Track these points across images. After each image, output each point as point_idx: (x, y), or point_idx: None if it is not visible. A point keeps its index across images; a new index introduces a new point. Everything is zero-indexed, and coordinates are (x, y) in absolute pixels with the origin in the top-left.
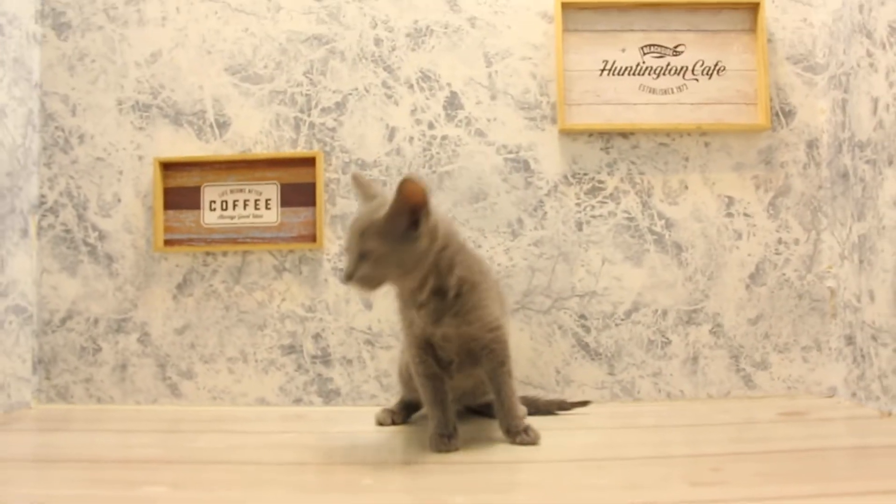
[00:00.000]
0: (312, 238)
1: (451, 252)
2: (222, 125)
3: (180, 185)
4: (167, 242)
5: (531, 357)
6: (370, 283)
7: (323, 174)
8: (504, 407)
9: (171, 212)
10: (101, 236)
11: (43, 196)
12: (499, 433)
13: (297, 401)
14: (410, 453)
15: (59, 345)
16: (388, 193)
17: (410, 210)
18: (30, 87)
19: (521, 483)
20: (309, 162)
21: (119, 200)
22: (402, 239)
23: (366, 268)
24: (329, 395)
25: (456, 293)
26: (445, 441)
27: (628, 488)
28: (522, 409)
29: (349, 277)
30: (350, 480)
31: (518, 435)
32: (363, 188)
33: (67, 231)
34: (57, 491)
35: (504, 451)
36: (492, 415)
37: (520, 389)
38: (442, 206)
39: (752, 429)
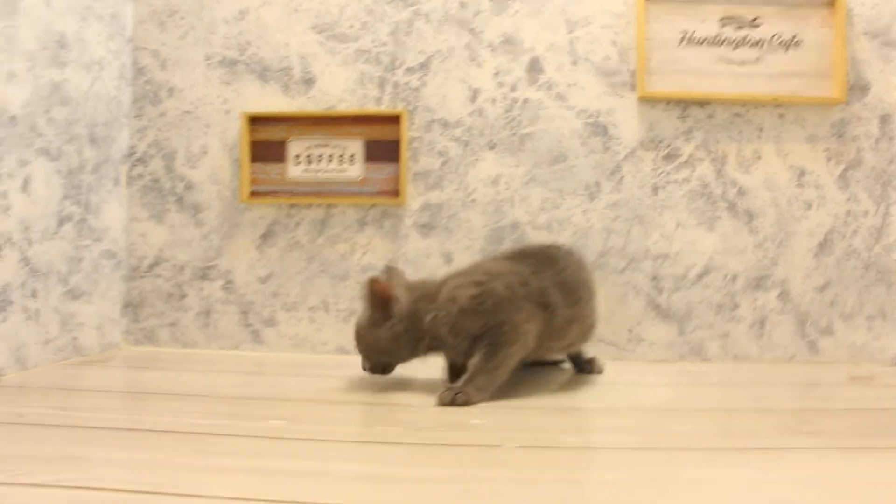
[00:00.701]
0: (395, 193)
1: (425, 314)
2: (308, 82)
3: (266, 139)
4: (252, 194)
5: (605, 316)
6: (386, 370)
7: (406, 132)
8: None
9: (256, 164)
10: (188, 186)
11: (133, 147)
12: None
13: None
14: (512, 397)
15: (147, 290)
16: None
17: (382, 304)
18: (123, 41)
19: (623, 427)
20: (393, 120)
21: (206, 152)
22: (388, 330)
23: (375, 363)
24: None
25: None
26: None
27: (723, 435)
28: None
29: (370, 371)
30: (459, 420)
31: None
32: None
33: (156, 181)
34: (186, 419)
35: (594, 399)
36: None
37: (592, 346)
38: (522, 167)
39: (824, 390)
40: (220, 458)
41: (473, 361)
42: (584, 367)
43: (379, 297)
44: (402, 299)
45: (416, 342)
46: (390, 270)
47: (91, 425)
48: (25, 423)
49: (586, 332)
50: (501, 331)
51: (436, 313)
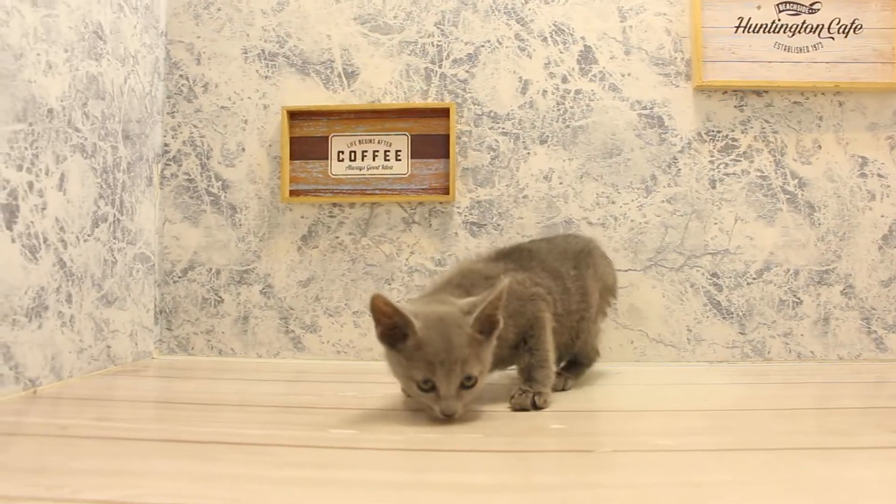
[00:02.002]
0: (444, 190)
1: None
2: (350, 75)
3: (307, 135)
4: (293, 193)
5: (663, 314)
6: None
7: (455, 126)
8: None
9: (297, 162)
10: (225, 186)
11: (166, 145)
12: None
13: None
14: (576, 402)
15: (181, 295)
16: (423, 309)
17: (492, 315)
18: (157, 35)
19: (713, 428)
20: (441, 113)
21: (243, 150)
22: (487, 342)
23: (470, 394)
24: None
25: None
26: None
27: (822, 433)
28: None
29: (455, 412)
30: (539, 425)
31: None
32: (394, 314)
33: (190, 180)
34: (245, 430)
35: (667, 401)
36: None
37: (650, 347)
38: (575, 160)
39: None
40: (286, 469)
41: (525, 361)
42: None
43: (496, 308)
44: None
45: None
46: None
47: (135, 437)
48: (69, 434)
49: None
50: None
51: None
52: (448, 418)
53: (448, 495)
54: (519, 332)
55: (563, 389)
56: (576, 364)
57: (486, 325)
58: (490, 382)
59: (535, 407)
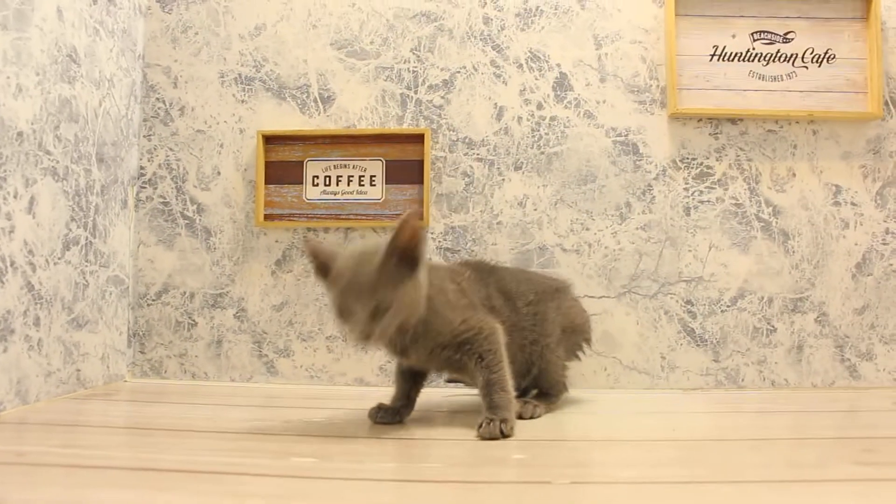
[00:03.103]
0: (418, 216)
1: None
2: (326, 100)
3: (282, 160)
4: (267, 217)
5: (637, 342)
6: (387, 335)
7: (430, 152)
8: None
9: (272, 186)
10: (200, 209)
11: (142, 168)
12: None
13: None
14: (544, 430)
15: (154, 318)
16: (348, 246)
17: (408, 248)
18: (134, 58)
19: (680, 459)
20: (416, 139)
21: (219, 173)
22: (405, 281)
23: (384, 322)
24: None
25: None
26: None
27: (791, 466)
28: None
29: (367, 337)
30: (501, 455)
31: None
32: (320, 255)
33: (165, 203)
34: (202, 458)
35: (635, 431)
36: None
37: (624, 375)
38: (549, 187)
39: (869, 416)
40: (246, 500)
41: (483, 379)
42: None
43: (409, 241)
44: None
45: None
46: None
47: (97, 464)
48: (26, 462)
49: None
50: (484, 324)
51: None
52: (364, 340)
53: None
54: (461, 325)
55: (531, 417)
56: (543, 394)
57: (405, 261)
58: (455, 409)
59: (504, 435)
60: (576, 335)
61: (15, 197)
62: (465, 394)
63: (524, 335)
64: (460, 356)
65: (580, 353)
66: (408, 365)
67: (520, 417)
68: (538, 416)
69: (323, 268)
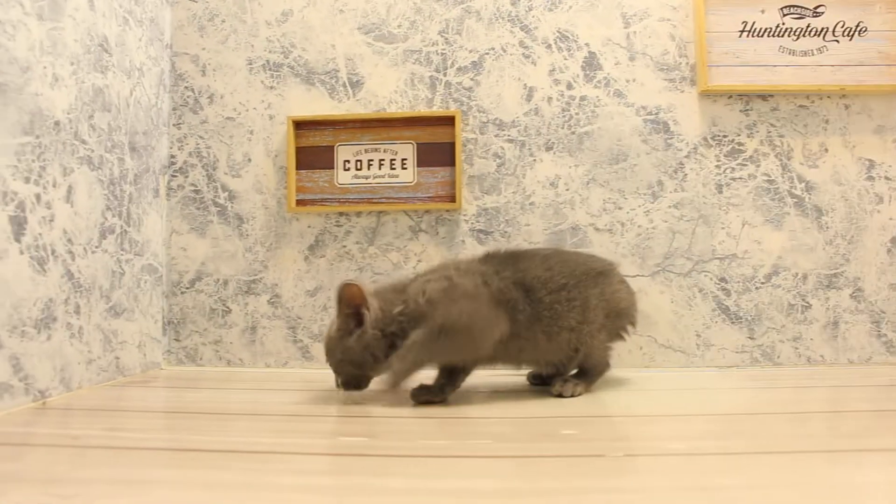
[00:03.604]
0: (451, 198)
1: (393, 307)
2: (355, 84)
3: (313, 145)
4: (299, 202)
5: (671, 320)
6: (360, 384)
7: (461, 134)
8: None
9: (303, 171)
10: (231, 196)
11: (173, 156)
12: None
13: None
14: (587, 407)
15: (189, 306)
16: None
17: (354, 311)
18: (162, 47)
19: (725, 432)
20: (447, 121)
21: (249, 160)
22: (359, 339)
23: (348, 377)
24: None
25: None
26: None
27: (836, 437)
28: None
29: (343, 387)
30: (550, 431)
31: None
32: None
33: (197, 191)
34: (256, 439)
35: (678, 406)
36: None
37: (659, 353)
38: (581, 167)
39: None
40: (297, 476)
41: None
42: (554, 385)
43: (350, 303)
44: (374, 305)
45: (388, 348)
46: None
47: (146, 447)
48: (80, 445)
49: (569, 344)
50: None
51: (404, 305)
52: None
53: (457, 502)
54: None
55: (572, 395)
56: (583, 372)
57: (355, 318)
58: (496, 390)
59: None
60: (620, 319)
61: (54, 186)
62: (503, 374)
63: (553, 322)
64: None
65: (624, 335)
66: None
67: (560, 395)
68: (578, 395)
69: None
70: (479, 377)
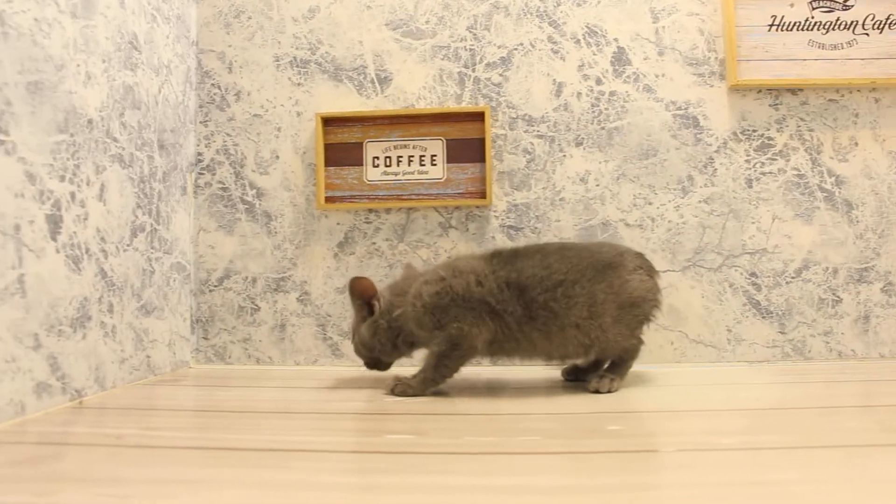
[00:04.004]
0: (481, 194)
1: (396, 309)
2: (384, 80)
3: (341, 142)
4: (328, 199)
5: (702, 315)
6: (379, 366)
7: (490, 129)
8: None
9: (331, 168)
10: (259, 194)
11: (200, 154)
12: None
13: None
14: (624, 401)
15: (217, 304)
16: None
17: (365, 302)
18: (188, 44)
19: (778, 425)
20: (476, 117)
21: (277, 157)
22: (370, 326)
23: (367, 359)
24: None
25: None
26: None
27: (887, 430)
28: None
29: (367, 367)
30: (595, 426)
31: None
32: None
33: (224, 189)
34: (292, 437)
35: (718, 401)
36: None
37: (690, 348)
38: (611, 162)
39: None
40: (347, 476)
41: (426, 360)
42: (590, 382)
43: (360, 295)
44: (385, 297)
45: (395, 337)
46: (407, 267)
47: (192, 446)
48: (126, 444)
49: (580, 339)
50: (450, 334)
51: (403, 309)
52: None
53: (515, 498)
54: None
55: (608, 391)
56: (613, 364)
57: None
58: (531, 386)
59: (394, 394)
60: (637, 308)
61: (87, 184)
62: (535, 369)
63: (550, 321)
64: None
65: (646, 322)
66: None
67: (596, 391)
68: (615, 390)
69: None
70: (512, 372)
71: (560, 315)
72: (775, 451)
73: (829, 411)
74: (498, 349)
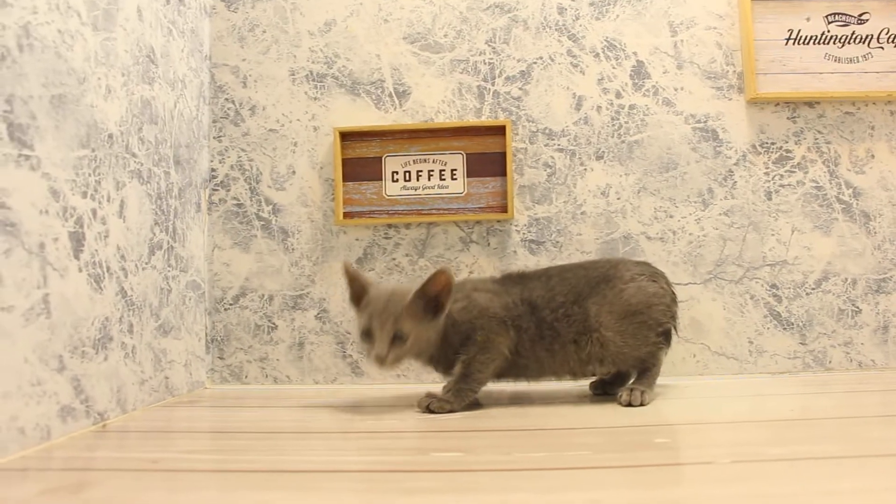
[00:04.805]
0: (502, 208)
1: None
2: (402, 94)
3: (360, 156)
4: (346, 215)
5: (724, 327)
6: (399, 362)
7: (511, 143)
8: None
9: (350, 183)
10: (276, 210)
11: (213, 170)
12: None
13: None
14: (671, 417)
15: (233, 323)
16: (384, 282)
17: (436, 295)
18: (201, 58)
19: (823, 435)
20: (497, 131)
21: (294, 172)
22: (428, 321)
23: (398, 350)
24: None
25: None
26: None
27: None
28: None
29: (382, 360)
30: (642, 440)
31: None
32: (356, 278)
33: (240, 205)
34: (340, 458)
35: (748, 412)
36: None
37: (713, 360)
38: (632, 175)
39: None
40: (399, 496)
41: (456, 371)
42: (620, 395)
43: (440, 288)
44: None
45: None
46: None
47: (236, 469)
48: (164, 469)
49: (594, 353)
50: (476, 340)
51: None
52: (379, 363)
53: None
54: (461, 341)
55: (641, 404)
56: (640, 375)
57: (430, 305)
58: (560, 399)
59: (430, 411)
60: (639, 315)
61: (108, 200)
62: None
63: (554, 340)
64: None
65: (659, 329)
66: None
67: (629, 405)
68: (647, 403)
69: (357, 293)
70: (536, 387)
71: (562, 334)
72: (825, 461)
73: (866, 421)
74: (512, 365)
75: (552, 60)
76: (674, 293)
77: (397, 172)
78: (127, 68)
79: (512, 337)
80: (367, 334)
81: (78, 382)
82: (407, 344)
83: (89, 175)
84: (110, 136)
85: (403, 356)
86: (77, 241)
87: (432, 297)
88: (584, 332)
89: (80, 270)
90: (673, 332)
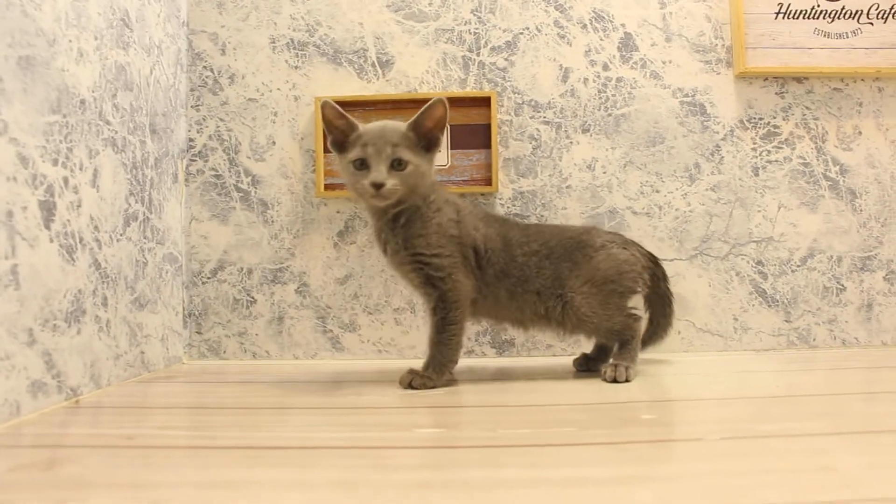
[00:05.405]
0: (486, 181)
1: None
2: (385, 64)
3: None
4: (328, 187)
5: (709, 304)
6: (395, 194)
7: (496, 115)
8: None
9: (332, 155)
10: (255, 181)
11: (191, 140)
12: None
13: (469, 352)
14: (649, 390)
15: (211, 297)
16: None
17: (431, 130)
18: (178, 24)
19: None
20: (482, 102)
21: (274, 143)
22: (424, 155)
23: (397, 177)
24: (503, 346)
25: (405, 220)
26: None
27: None
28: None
29: (382, 185)
30: (629, 416)
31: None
32: (341, 115)
33: (218, 176)
34: (324, 434)
35: (735, 388)
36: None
37: (698, 337)
38: (618, 149)
39: None
40: (403, 472)
41: (430, 337)
42: (604, 371)
43: (437, 120)
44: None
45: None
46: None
47: (208, 445)
48: (138, 445)
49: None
50: (442, 290)
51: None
52: (376, 189)
53: (568, 491)
54: (432, 256)
55: (626, 380)
56: (619, 348)
57: (424, 140)
58: (543, 375)
59: (413, 387)
60: (610, 283)
61: (80, 169)
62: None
63: (519, 283)
64: (422, 289)
65: (628, 294)
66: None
67: (614, 381)
68: (632, 378)
69: (342, 132)
70: (520, 362)
71: (529, 279)
72: (816, 438)
73: (850, 397)
74: (472, 302)
75: (539, 31)
76: (648, 262)
77: None
78: (100, 31)
79: (473, 281)
80: (361, 163)
81: (49, 357)
82: (406, 171)
83: (60, 142)
84: (83, 101)
85: (401, 187)
86: (48, 210)
87: (427, 130)
88: (552, 288)
89: (52, 241)
90: (670, 305)
